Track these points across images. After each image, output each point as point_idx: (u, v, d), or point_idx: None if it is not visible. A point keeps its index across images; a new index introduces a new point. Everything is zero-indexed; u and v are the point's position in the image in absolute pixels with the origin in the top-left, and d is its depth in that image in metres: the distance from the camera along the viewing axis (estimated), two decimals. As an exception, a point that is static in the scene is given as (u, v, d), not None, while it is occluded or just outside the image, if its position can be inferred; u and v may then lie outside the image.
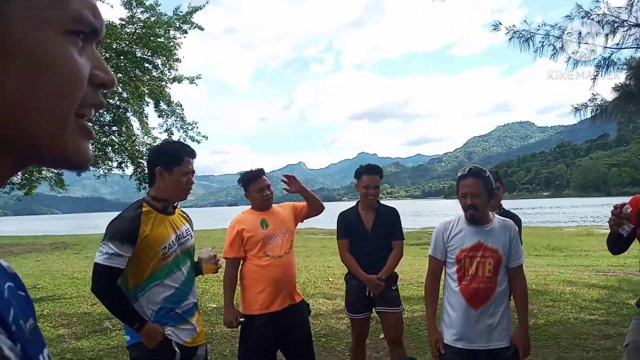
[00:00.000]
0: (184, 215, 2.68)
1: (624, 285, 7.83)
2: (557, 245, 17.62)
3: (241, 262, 3.26)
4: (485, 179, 2.66)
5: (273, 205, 3.40)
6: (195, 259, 2.70)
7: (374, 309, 3.73)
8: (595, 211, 50.22)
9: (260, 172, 3.33)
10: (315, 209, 3.53)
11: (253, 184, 3.29)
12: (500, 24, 7.28)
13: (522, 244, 3.81)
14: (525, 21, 7.18)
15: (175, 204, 2.55)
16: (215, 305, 6.53)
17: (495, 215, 2.82)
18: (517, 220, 3.65)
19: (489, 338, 2.62)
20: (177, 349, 2.36)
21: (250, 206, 3.39)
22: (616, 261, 12.06)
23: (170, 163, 2.42)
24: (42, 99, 0.43)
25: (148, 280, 2.34)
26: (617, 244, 2.84)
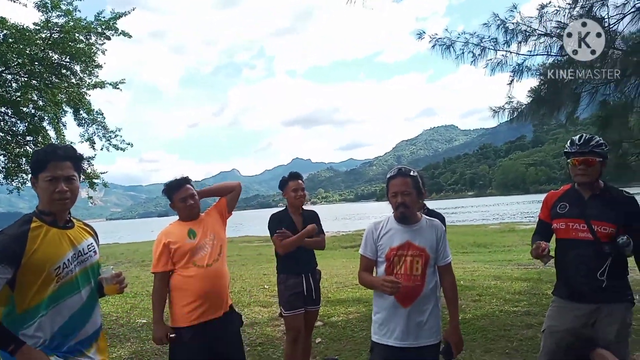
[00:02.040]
0: (87, 228, 2.37)
1: (543, 277, 8.36)
2: (482, 242, 18.55)
3: (170, 274, 3.13)
4: (413, 178, 2.72)
5: (201, 213, 3.32)
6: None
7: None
8: (517, 208, 53.49)
9: (182, 181, 3.23)
10: (229, 193, 3.50)
11: (176, 194, 3.19)
12: (424, 32, 7.57)
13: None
14: (446, 29, 7.51)
15: (68, 216, 2.24)
16: (145, 321, 6.25)
17: (423, 215, 2.90)
18: (441, 219, 3.87)
19: (418, 335, 2.67)
20: None
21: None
22: (535, 254, 12.88)
23: (35, 170, 2.13)
24: None
25: (39, 307, 2.03)
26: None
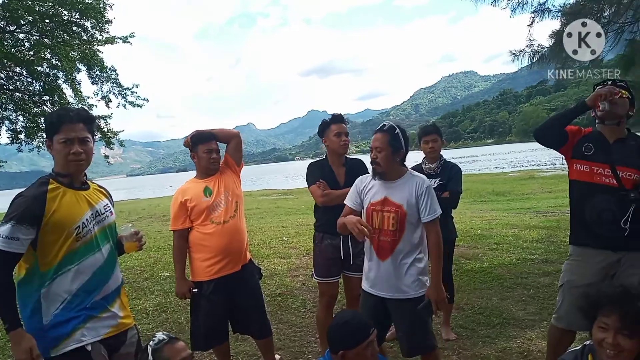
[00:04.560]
0: (102, 189, 2.43)
1: (562, 224, 8.29)
2: (500, 191, 18.39)
3: (188, 231, 3.21)
4: (393, 136, 2.71)
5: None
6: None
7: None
8: (537, 155, 52.73)
9: (211, 136, 3.25)
10: (229, 139, 3.35)
11: (203, 145, 3.21)
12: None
13: (462, 191, 3.93)
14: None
15: (84, 178, 2.27)
16: (168, 274, 6.45)
17: (410, 170, 2.87)
18: (457, 170, 3.91)
19: (396, 288, 2.74)
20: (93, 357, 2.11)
21: (195, 173, 3.31)
22: (555, 202, 12.78)
23: (49, 132, 2.15)
24: None
25: (61, 264, 2.09)
26: (558, 126, 2.86)
